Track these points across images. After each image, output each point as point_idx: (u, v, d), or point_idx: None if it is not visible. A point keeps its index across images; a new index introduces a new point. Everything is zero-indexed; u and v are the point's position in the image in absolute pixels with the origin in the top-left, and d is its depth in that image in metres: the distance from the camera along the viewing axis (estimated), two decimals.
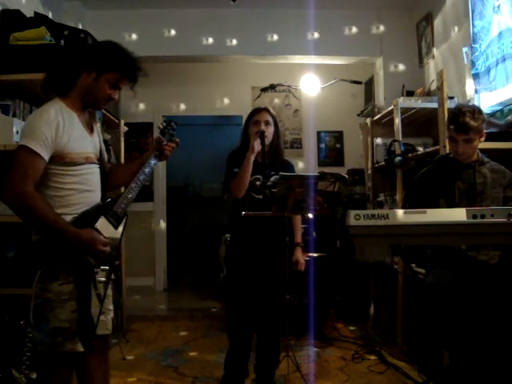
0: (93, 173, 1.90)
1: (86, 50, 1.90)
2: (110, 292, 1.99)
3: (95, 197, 1.89)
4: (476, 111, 2.36)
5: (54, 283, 1.77)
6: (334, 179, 2.47)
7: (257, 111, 2.75)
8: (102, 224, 1.84)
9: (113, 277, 2.03)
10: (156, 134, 6.30)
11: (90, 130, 1.95)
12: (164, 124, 2.15)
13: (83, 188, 1.84)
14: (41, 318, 1.78)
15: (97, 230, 1.82)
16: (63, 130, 1.77)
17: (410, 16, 4.68)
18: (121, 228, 1.93)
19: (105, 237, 1.82)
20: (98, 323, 1.82)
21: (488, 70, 3.20)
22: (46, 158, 1.74)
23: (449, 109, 2.70)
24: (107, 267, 1.85)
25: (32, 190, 1.70)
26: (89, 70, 1.83)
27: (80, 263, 1.77)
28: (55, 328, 1.77)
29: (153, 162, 2.05)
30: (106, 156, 2.07)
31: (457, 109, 2.39)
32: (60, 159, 1.78)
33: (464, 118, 2.32)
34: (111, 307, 2.01)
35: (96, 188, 1.91)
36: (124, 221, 1.94)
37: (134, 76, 1.91)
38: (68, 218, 1.78)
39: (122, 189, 2.19)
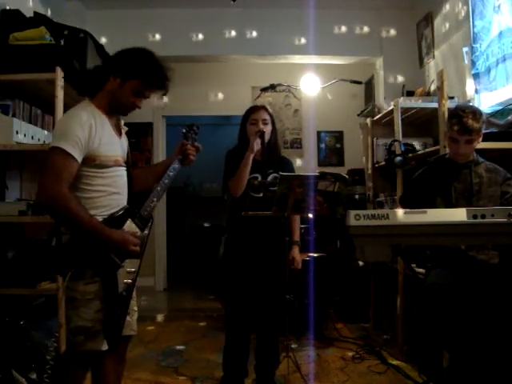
0: (120, 175, 1.92)
1: (116, 55, 1.91)
2: (134, 293, 2.01)
3: (122, 199, 1.91)
4: (477, 112, 2.39)
5: (79, 282, 1.78)
6: (334, 179, 2.47)
7: (254, 109, 2.74)
8: (129, 227, 1.85)
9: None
10: (156, 134, 6.32)
11: (119, 132, 1.97)
12: (187, 128, 2.17)
13: (111, 190, 1.86)
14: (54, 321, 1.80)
15: None
16: (95, 132, 1.78)
17: (410, 16, 4.67)
18: (146, 231, 1.94)
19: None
20: (124, 324, 1.84)
21: (488, 70, 3.20)
22: (79, 159, 1.75)
23: (449, 109, 2.70)
24: (133, 269, 1.87)
25: (67, 191, 1.70)
26: (115, 76, 1.85)
27: (107, 263, 1.78)
28: (78, 327, 1.78)
29: (177, 166, 2.07)
30: (130, 158, 2.08)
31: (459, 110, 2.40)
32: (90, 161, 1.79)
33: (468, 119, 2.33)
34: (136, 308, 2.04)
35: (123, 190, 1.93)
36: (150, 224, 1.96)
37: (161, 85, 1.92)
38: (98, 220, 1.79)
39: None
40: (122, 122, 2.04)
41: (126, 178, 1.96)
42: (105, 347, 1.80)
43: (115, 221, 1.82)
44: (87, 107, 1.84)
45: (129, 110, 1.94)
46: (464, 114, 2.34)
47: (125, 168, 1.96)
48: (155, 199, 1.95)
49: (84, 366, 1.87)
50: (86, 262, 1.78)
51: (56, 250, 1.83)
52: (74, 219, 1.71)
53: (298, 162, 5.42)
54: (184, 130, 2.16)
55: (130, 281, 1.86)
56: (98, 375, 1.95)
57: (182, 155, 2.11)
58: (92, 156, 1.79)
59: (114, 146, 1.90)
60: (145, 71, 1.87)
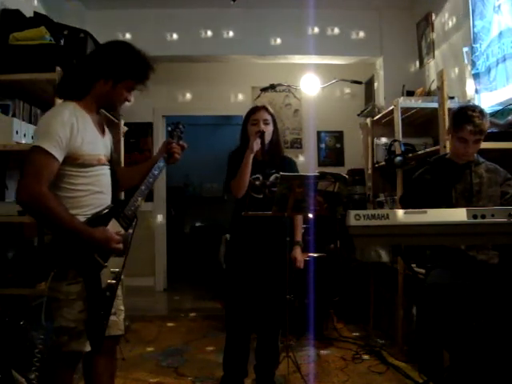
0: (104, 174, 1.91)
1: (100, 56, 1.91)
2: (119, 292, 2.01)
3: (106, 198, 1.90)
4: (484, 112, 2.40)
5: (62, 283, 1.77)
6: (334, 179, 2.47)
7: (255, 110, 2.74)
8: (113, 226, 1.84)
9: (122, 277, 2.04)
10: (156, 134, 6.31)
11: (102, 131, 1.96)
12: (172, 126, 2.16)
13: (95, 189, 1.85)
14: (48, 317, 1.79)
15: None
16: (77, 131, 1.77)
17: (410, 16, 4.67)
18: (131, 230, 1.93)
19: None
20: (107, 324, 1.83)
21: (488, 70, 3.20)
22: (60, 159, 1.74)
23: (452, 109, 2.68)
24: (117, 269, 1.86)
25: (47, 190, 1.69)
26: (106, 79, 1.85)
27: (89, 263, 1.77)
28: (61, 327, 1.78)
29: (162, 164, 2.05)
30: (116, 157, 2.08)
31: (468, 110, 2.39)
32: (73, 160, 1.78)
33: (479, 119, 2.34)
34: (122, 307, 2.02)
35: (107, 190, 1.92)
36: (134, 223, 1.95)
37: (147, 77, 1.93)
38: (80, 220, 1.78)
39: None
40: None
41: (109, 177, 1.95)
42: (88, 348, 1.80)
43: (99, 220, 1.81)
44: (69, 106, 1.83)
45: (120, 105, 1.96)
46: (475, 114, 2.34)
47: (109, 167, 1.95)
48: (140, 198, 1.94)
49: (70, 366, 1.86)
50: (69, 263, 1.77)
51: (38, 251, 1.82)
52: (55, 218, 1.70)
53: (298, 162, 5.40)
54: (169, 129, 2.15)
55: (113, 281, 1.84)
56: (90, 377, 1.95)
57: (168, 153, 2.09)
58: (75, 155, 1.78)
59: (97, 144, 1.88)
60: (136, 70, 1.88)
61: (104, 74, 1.85)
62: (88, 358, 1.90)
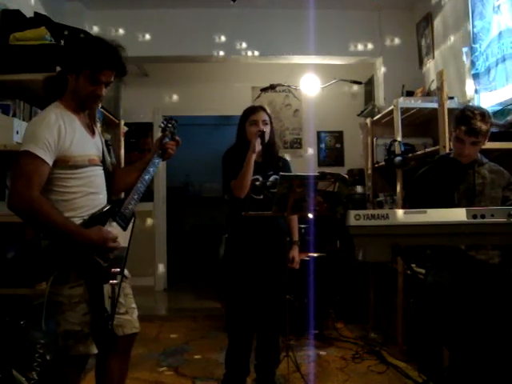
0: (97, 175, 1.89)
1: (64, 51, 1.91)
2: (129, 291, 2.02)
3: (101, 199, 1.89)
4: (486, 115, 2.39)
5: (64, 287, 1.76)
6: (334, 179, 2.47)
7: (253, 110, 2.74)
8: (111, 226, 1.83)
9: (129, 275, 2.03)
10: (156, 133, 6.32)
11: (92, 132, 1.95)
12: (165, 122, 2.14)
13: (88, 190, 1.83)
14: (48, 322, 1.78)
15: None
16: (65, 133, 1.77)
17: (410, 16, 4.68)
18: (129, 229, 1.92)
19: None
20: (112, 325, 1.81)
21: (488, 70, 3.20)
22: (50, 162, 1.73)
23: (456, 109, 2.69)
24: (118, 269, 1.83)
25: (38, 195, 1.69)
26: (70, 73, 1.84)
27: (90, 265, 1.76)
28: (67, 331, 1.77)
29: (157, 161, 2.05)
30: (108, 157, 2.07)
31: (468, 111, 2.39)
32: (63, 163, 1.77)
33: (476, 121, 2.34)
34: (134, 305, 2.03)
35: (101, 190, 1.91)
36: (132, 222, 1.94)
37: (111, 64, 1.84)
38: (76, 222, 1.77)
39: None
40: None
41: (103, 178, 1.93)
42: (95, 350, 1.79)
43: (95, 221, 1.80)
44: (55, 109, 1.82)
45: (93, 101, 1.88)
46: (473, 116, 2.35)
47: (102, 167, 1.93)
48: (136, 196, 1.93)
49: (77, 368, 1.85)
50: (69, 265, 1.75)
51: (36, 255, 1.80)
52: (48, 222, 1.69)
53: (298, 162, 5.41)
54: (162, 125, 2.13)
55: (115, 281, 1.81)
56: (102, 375, 1.95)
57: (161, 150, 2.08)
58: (65, 157, 1.77)
59: (87, 145, 1.87)
60: (89, 58, 1.81)
61: (67, 67, 1.85)
62: (102, 356, 1.90)
